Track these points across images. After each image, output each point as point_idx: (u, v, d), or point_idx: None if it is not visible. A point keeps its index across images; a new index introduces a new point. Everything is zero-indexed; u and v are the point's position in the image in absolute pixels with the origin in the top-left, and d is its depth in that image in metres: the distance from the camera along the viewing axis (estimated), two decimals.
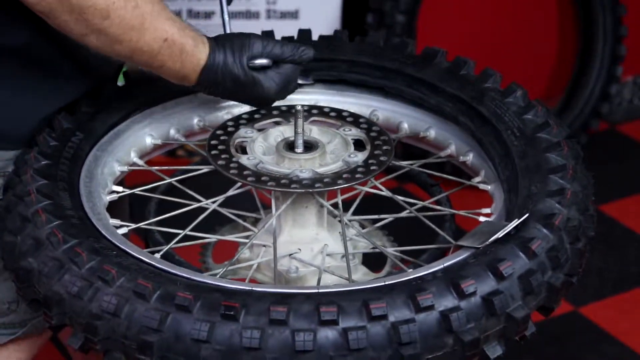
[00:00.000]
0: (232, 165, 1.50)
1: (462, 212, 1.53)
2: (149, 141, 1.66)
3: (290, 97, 1.65)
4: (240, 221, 1.62)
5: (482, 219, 1.48)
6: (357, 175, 1.47)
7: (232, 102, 1.68)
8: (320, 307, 1.20)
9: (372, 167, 1.49)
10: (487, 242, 1.32)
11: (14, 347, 1.70)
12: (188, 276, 1.29)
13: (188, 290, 1.24)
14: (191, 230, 1.49)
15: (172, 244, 1.47)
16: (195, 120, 1.69)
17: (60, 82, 1.58)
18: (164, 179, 1.62)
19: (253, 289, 1.25)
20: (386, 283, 1.27)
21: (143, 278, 1.26)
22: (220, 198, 1.53)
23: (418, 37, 3.32)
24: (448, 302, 1.24)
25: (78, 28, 1.43)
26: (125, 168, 1.60)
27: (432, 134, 1.67)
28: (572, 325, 2.92)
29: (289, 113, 1.61)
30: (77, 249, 1.31)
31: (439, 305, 1.23)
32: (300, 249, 1.52)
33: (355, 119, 1.61)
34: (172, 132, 1.68)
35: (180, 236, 1.48)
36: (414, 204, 1.53)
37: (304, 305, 1.21)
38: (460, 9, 3.53)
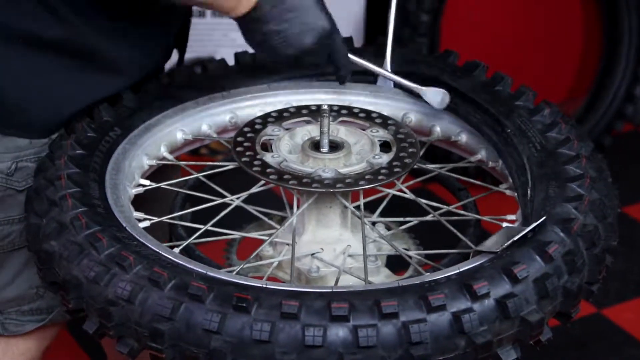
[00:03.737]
0: (255, 162, 1.50)
1: (486, 218, 1.53)
2: (179, 136, 1.67)
3: (324, 97, 1.66)
4: (265, 219, 1.63)
5: (504, 224, 1.47)
6: (380, 177, 1.47)
7: (264, 99, 1.70)
8: (331, 303, 1.20)
9: (396, 170, 1.49)
10: (504, 246, 1.32)
11: (39, 335, 1.73)
12: (202, 271, 1.29)
13: (202, 281, 1.24)
14: (215, 226, 1.50)
15: (192, 239, 1.48)
16: (228, 117, 1.71)
17: (97, 77, 1.60)
18: (191, 175, 1.63)
19: (266, 285, 1.26)
20: (400, 285, 1.27)
21: (159, 267, 1.27)
22: (244, 195, 1.54)
23: (442, 37, 3.31)
24: (460, 303, 1.23)
25: None
26: (153, 162, 1.62)
27: (463, 138, 1.68)
28: (595, 327, 2.90)
29: (316, 112, 1.62)
30: (98, 235, 1.33)
31: (450, 306, 1.23)
32: (322, 249, 1.52)
33: (383, 121, 1.61)
34: (204, 127, 1.69)
35: (200, 231, 1.49)
36: (439, 208, 1.53)
37: (316, 301, 1.21)
38: (484, 8, 3.51)
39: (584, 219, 1.38)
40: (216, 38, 3.45)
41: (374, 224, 1.62)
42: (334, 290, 1.26)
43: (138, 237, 1.36)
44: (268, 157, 1.52)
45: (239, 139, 1.56)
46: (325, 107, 1.51)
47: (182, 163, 1.64)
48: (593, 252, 1.37)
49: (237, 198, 1.54)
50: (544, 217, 1.36)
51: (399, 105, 1.72)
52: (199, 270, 1.29)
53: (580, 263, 1.34)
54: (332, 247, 1.53)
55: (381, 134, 1.58)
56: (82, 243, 1.33)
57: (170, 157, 1.65)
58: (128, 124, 1.60)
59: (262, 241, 1.55)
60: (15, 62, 1.54)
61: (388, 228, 1.66)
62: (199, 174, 1.63)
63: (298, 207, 1.51)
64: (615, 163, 1.58)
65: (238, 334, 1.20)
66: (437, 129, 1.70)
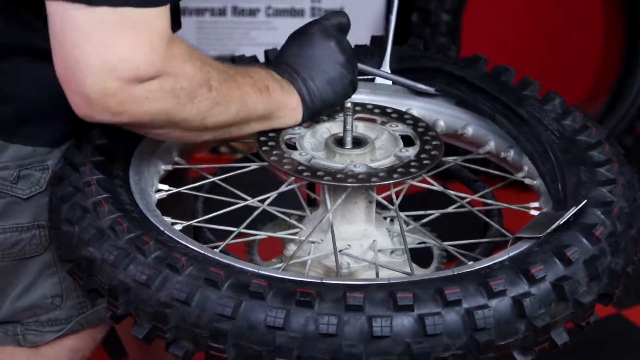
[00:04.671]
0: (285, 160, 1.50)
1: (513, 207, 1.53)
2: None
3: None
4: (287, 218, 1.61)
5: (533, 212, 1.48)
6: (412, 170, 1.47)
7: None
8: (396, 293, 1.20)
9: (425, 162, 1.49)
10: (549, 231, 1.33)
11: (60, 345, 1.70)
12: (255, 270, 1.28)
13: (262, 279, 1.23)
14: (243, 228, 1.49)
15: (228, 241, 1.46)
16: None
17: None
18: (208, 177, 1.62)
19: (323, 280, 1.25)
20: (455, 273, 1.27)
21: (214, 266, 1.26)
22: (273, 194, 1.53)
23: (462, 36, 3.32)
24: (519, 288, 1.24)
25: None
26: (169, 167, 1.60)
27: (469, 131, 1.68)
28: (614, 328, 2.91)
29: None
30: (143, 238, 1.31)
31: (510, 291, 1.23)
32: (349, 245, 1.52)
33: (400, 115, 1.62)
34: None
35: (235, 233, 1.47)
36: (464, 198, 1.54)
37: (379, 293, 1.21)
38: (505, 7, 3.53)
39: (619, 202, 1.40)
40: (237, 37, 3.45)
41: (392, 219, 1.62)
42: (392, 281, 1.25)
43: (179, 240, 1.34)
44: (296, 155, 1.51)
45: (262, 138, 1.54)
46: (349, 104, 1.51)
47: (198, 167, 1.63)
48: (630, 234, 1.39)
49: (261, 201, 1.53)
50: (585, 201, 1.37)
51: (400, 101, 1.72)
52: (252, 269, 1.28)
53: (623, 245, 1.36)
54: (358, 243, 1.53)
55: (400, 128, 1.58)
56: (127, 247, 1.31)
57: (182, 161, 1.63)
58: None
59: (280, 241, 1.55)
60: (20, 73, 1.52)
61: (406, 224, 1.64)
62: (216, 177, 1.62)
63: (330, 204, 1.50)
64: (636, 163, 1.58)
65: (303, 329, 1.20)
66: (441, 123, 1.70)
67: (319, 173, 1.46)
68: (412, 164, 1.49)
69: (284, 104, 1.54)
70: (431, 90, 1.70)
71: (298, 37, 1.59)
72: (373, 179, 1.45)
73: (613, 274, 1.33)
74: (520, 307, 1.22)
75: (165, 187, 1.56)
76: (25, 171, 1.55)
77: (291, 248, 1.55)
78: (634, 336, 2.90)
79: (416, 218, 1.62)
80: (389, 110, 1.63)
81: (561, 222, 1.33)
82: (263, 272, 1.26)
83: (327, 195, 1.50)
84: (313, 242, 1.51)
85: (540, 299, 1.24)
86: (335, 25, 1.59)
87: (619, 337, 2.90)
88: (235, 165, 1.62)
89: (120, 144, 1.53)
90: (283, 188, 1.54)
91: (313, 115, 1.57)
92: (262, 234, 1.57)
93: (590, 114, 1.65)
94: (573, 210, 1.35)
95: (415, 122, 1.59)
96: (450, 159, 1.62)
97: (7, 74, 1.52)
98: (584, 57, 3.73)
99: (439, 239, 1.58)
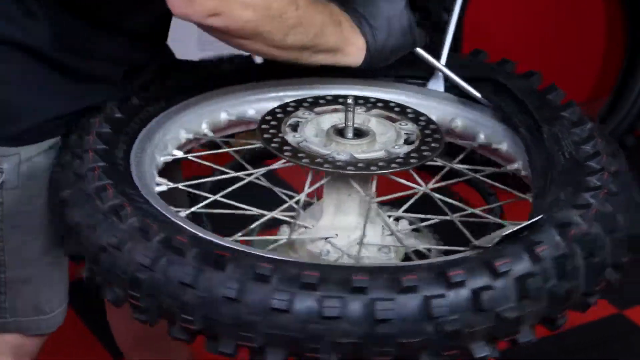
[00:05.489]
0: (275, 139, 1.52)
1: (505, 222, 1.50)
2: (223, 117, 1.71)
3: (376, 95, 1.70)
4: (285, 198, 1.61)
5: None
6: (393, 165, 1.48)
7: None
8: (447, 272, 1.23)
9: (412, 160, 1.50)
10: (494, 242, 1.31)
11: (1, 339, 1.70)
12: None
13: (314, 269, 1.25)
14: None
15: (197, 207, 1.50)
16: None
17: (73, 85, 1.58)
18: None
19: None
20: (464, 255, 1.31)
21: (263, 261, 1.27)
22: (261, 170, 1.57)
23: (464, 35, 3.32)
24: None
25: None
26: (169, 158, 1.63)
27: (504, 147, 1.68)
28: (616, 328, 2.88)
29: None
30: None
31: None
32: (337, 235, 1.53)
33: (416, 116, 1.62)
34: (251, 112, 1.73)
35: (210, 200, 1.52)
36: (463, 210, 1.53)
37: (429, 272, 1.24)
38: (507, 6, 3.52)
39: (582, 225, 1.36)
40: None
41: (397, 219, 1.62)
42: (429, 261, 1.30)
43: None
44: (289, 137, 1.53)
45: (267, 117, 1.58)
46: (350, 100, 1.53)
47: (196, 156, 1.65)
48: (591, 261, 1.35)
49: (250, 175, 1.57)
50: (540, 217, 1.35)
51: (447, 109, 1.74)
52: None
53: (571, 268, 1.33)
54: (346, 234, 1.54)
55: (409, 127, 1.59)
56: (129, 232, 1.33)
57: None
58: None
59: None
60: (1, 68, 1.53)
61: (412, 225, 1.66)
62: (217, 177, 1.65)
63: (309, 187, 1.52)
64: (638, 162, 1.57)
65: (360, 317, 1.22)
66: (482, 135, 1.71)
67: (300, 154, 1.48)
68: (397, 160, 1.49)
69: (352, 42, 1.58)
70: (479, 96, 1.71)
71: None
72: (349, 168, 1.46)
73: (554, 296, 1.31)
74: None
75: (163, 181, 1.57)
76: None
77: (284, 231, 1.58)
78: (634, 336, 2.87)
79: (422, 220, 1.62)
80: (408, 110, 1.64)
81: (505, 234, 1.31)
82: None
83: (308, 178, 1.52)
84: (306, 227, 1.54)
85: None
86: None
87: (620, 337, 2.88)
88: (240, 148, 1.67)
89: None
90: (276, 165, 1.56)
91: (372, 63, 1.62)
92: (254, 210, 1.56)
93: (592, 114, 1.64)
94: (522, 225, 1.33)
95: (427, 123, 1.60)
96: (465, 167, 1.64)
97: None
98: (586, 56, 3.72)
99: (441, 241, 1.59)
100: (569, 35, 3.64)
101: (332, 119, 1.60)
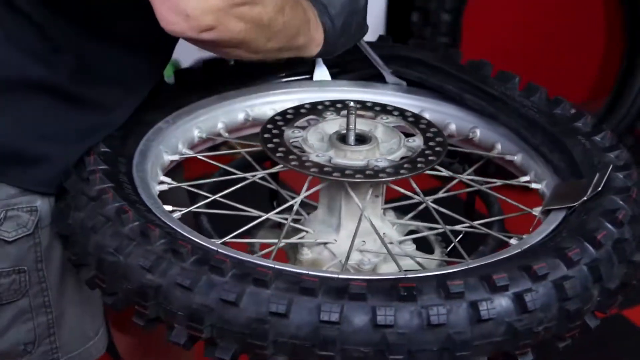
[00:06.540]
0: (307, 164, 1.49)
1: (499, 235, 1.49)
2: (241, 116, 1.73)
3: (364, 97, 1.71)
4: (287, 198, 1.60)
5: (513, 241, 1.45)
6: (381, 175, 1.46)
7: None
8: (492, 275, 1.25)
9: (402, 171, 1.48)
10: (585, 199, 1.37)
11: None
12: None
13: (364, 282, 1.25)
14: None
15: (194, 207, 1.51)
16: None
17: (91, 121, 1.54)
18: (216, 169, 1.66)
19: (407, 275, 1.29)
20: (502, 257, 1.33)
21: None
22: (261, 173, 1.58)
23: (463, 36, 3.32)
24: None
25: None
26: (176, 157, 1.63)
27: (518, 159, 1.67)
28: (616, 328, 2.91)
29: (361, 109, 1.63)
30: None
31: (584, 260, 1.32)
32: (364, 242, 1.52)
33: (428, 126, 1.61)
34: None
35: (208, 200, 1.53)
36: (462, 222, 1.53)
37: (472, 278, 1.26)
38: (505, 7, 3.53)
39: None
40: None
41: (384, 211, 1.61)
42: (470, 266, 1.31)
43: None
44: (314, 157, 1.50)
45: (270, 145, 1.54)
46: (352, 104, 1.52)
47: (201, 157, 1.65)
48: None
49: (254, 176, 1.57)
50: (610, 167, 1.42)
51: (468, 118, 1.73)
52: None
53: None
54: (371, 238, 1.52)
55: (392, 120, 1.60)
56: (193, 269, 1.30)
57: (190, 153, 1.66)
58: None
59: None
60: (11, 110, 1.48)
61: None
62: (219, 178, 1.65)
63: (362, 201, 1.50)
64: (637, 163, 1.57)
65: (410, 324, 1.23)
66: (499, 146, 1.70)
67: (348, 172, 1.46)
68: (387, 170, 1.47)
69: (314, 39, 1.61)
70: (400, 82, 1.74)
71: None
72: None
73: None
74: (596, 272, 1.31)
75: (168, 179, 1.57)
76: (12, 212, 1.51)
77: (306, 252, 1.53)
78: (635, 336, 2.90)
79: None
80: (423, 122, 1.62)
81: (599, 189, 1.36)
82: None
83: (351, 192, 1.50)
84: (326, 244, 1.52)
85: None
86: None
87: (620, 337, 2.89)
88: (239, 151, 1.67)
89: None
90: (276, 169, 1.56)
91: (324, 55, 1.65)
92: (254, 212, 1.55)
93: (592, 113, 1.64)
94: (605, 175, 1.38)
95: (435, 136, 1.58)
96: (475, 178, 1.63)
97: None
98: (586, 56, 3.72)
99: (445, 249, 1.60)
100: (568, 35, 3.64)
101: (319, 129, 1.59)
